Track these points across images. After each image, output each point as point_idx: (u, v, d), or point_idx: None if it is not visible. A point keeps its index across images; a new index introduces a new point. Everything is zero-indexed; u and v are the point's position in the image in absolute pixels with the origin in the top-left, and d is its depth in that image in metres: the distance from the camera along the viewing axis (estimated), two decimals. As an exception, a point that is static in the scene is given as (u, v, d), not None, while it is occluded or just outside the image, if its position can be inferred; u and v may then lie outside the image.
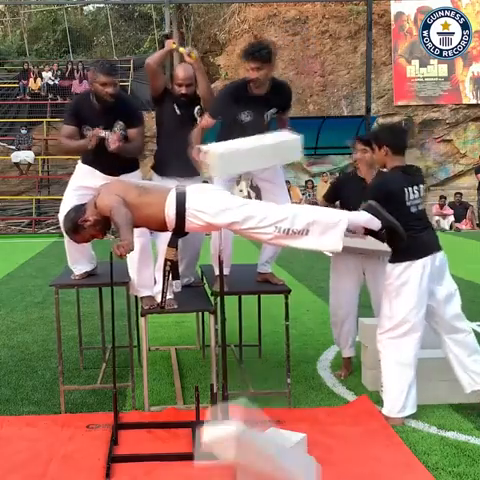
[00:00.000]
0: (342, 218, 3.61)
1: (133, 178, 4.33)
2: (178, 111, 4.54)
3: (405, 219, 3.91)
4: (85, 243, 4.10)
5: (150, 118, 4.68)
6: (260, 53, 4.10)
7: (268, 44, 4.26)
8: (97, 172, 4.40)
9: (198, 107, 4.59)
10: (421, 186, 4.06)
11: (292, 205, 4.18)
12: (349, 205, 4.33)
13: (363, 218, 3.71)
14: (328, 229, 3.58)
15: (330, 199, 4.88)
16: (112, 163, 4.35)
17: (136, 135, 4.40)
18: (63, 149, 4.58)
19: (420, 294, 3.97)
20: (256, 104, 4.25)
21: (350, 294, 4.78)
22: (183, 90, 4.50)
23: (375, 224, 3.73)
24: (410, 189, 3.99)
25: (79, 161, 4.57)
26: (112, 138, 4.23)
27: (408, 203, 3.97)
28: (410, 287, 3.96)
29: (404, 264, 3.97)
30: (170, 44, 4.72)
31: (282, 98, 4.39)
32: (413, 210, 3.99)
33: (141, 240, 4.29)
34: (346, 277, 4.76)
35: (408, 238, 3.89)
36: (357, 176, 4.74)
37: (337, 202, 4.81)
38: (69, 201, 4.32)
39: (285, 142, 4.02)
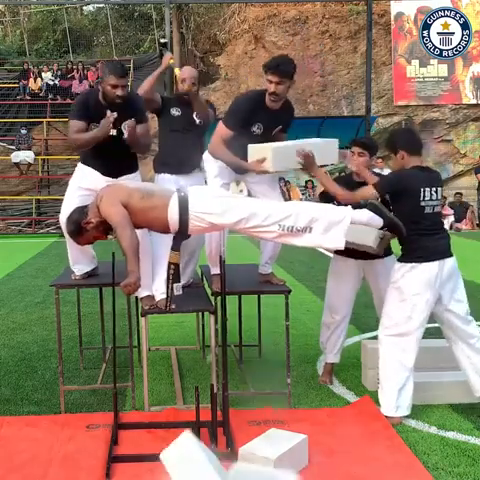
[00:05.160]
0: (346, 216, 3.62)
1: (134, 179, 4.33)
2: (177, 112, 4.56)
3: (417, 218, 3.92)
4: (88, 245, 4.11)
5: (151, 117, 4.68)
6: (283, 68, 4.06)
7: (291, 60, 4.24)
8: (97, 173, 4.39)
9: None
10: (439, 189, 4.02)
11: (295, 202, 4.21)
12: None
13: (366, 216, 3.72)
14: (331, 226, 3.59)
15: (324, 198, 4.86)
16: (112, 163, 4.34)
17: (144, 130, 4.40)
18: (77, 143, 4.32)
19: (424, 297, 3.95)
20: (269, 118, 4.25)
21: (348, 298, 4.74)
22: (186, 87, 4.49)
23: (377, 222, 3.74)
24: (427, 189, 3.95)
25: (79, 162, 4.56)
26: (129, 125, 4.17)
27: (423, 203, 3.94)
28: (414, 288, 3.94)
29: (410, 265, 3.96)
30: (167, 60, 4.71)
31: (288, 117, 4.42)
32: (428, 211, 3.96)
33: (140, 241, 4.29)
34: (346, 280, 4.71)
35: (418, 239, 3.91)
36: (352, 179, 4.73)
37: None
38: (70, 202, 4.31)
39: (327, 144, 4.31)
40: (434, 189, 3.98)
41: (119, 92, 4.16)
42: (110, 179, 4.32)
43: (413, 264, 3.95)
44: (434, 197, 3.98)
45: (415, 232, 3.93)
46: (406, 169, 4.03)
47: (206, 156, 4.50)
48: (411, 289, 3.95)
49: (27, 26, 26.75)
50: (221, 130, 4.27)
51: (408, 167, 4.03)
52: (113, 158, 4.29)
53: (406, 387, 4.02)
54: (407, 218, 3.91)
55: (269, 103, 4.21)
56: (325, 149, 4.29)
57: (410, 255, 3.97)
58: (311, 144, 4.21)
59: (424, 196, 3.94)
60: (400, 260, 4.04)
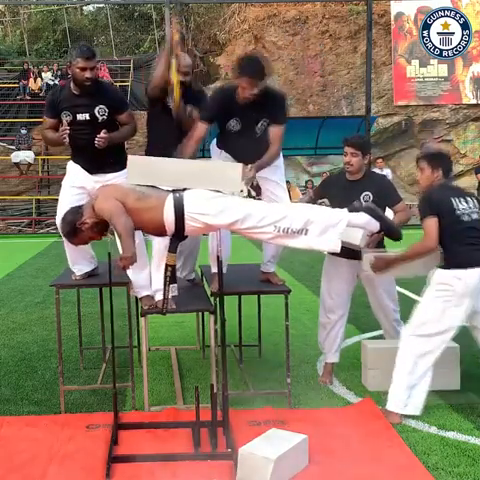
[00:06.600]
0: (342, 219, 3.63)
1: (121, 177, 4.33)
2: (171, 104, 4.51)
3: (456, 228, 3.95)
4: (84, 245, 4.11)
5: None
6: (252, 71, 3.95)
7: (260, 60, 4.05)
8: (85, 173, 4.45)
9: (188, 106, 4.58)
10: (469, 198, 4.08)
11: (292, 204, 4.19)
12: (334, 204, 4.31)
13: (362, 219, 3.73)
14: (327, 229, 3.59)
15: (317, 195, 4.88)
16: (96, 160, 4.39)
17: (126, 118, 4.47)
18: (44, 139, 4.85)
19: (456, 303, 3.93)
20: (245, 112, 4.11)
21: (343, 298, 4.73)
22: (181, 78, 4.46)
23: (374, 225, 3.75)
24: (457, 199, 4.02)
25: (70, 160, 4.59)
26: (98, 140, 4.27)
27: (458, 212, 3.98)
28: (449, 294, 3.93)
29: (450, 271, 3.95)
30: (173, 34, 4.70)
31: (272, 105, 4.16)
32: (465, 218, 3.99)
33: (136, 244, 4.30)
34: (339, 280, 4.71)
35: (459, 246, 3.93)
36: (344, 178, 4.73)
37: (325, 200, 4.81)
38: (66, 203, 4.34)
39: (221, 167, 3.81)
40: (463, 199, 4.04)
41: (87, 74, 4.24)
42: (98, 178, 4.38)
43: (453, 271, 3.94)
44: (466, 205, 4.02)
45: (455, 240, 3.95)
46: (432, 187, 4.11)
47: (211, 147, 4.49)
48: (445, 293, 3.94)
49: (27, 26, 26.74)
50: (195, 127, 4.14)
51: (435, 185, 4.12)
52: (95, 152, 4.33)
53: (418, 387, 4.00)
54: (447, 229, 3.95)
55: (241, 97, 4.02)
56: (218, 173, 3.70)
57: (450, 262, 3.98)
58: (192, 166, 3.76)
59: (457, 205, 4.00)
60: (440, 266, 4.02)
